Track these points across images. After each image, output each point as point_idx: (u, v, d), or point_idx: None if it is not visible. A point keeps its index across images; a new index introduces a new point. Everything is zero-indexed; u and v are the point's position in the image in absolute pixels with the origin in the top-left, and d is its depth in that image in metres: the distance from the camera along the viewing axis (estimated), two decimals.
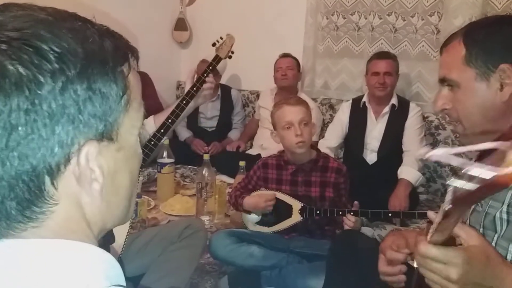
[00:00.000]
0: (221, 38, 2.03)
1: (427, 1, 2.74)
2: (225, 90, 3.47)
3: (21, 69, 0.37)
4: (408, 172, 2.42)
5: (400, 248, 1.03)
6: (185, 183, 2.84)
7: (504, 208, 0.87)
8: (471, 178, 0.49)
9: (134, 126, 0.46)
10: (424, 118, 2.67)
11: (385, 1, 2.90)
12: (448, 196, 0.56)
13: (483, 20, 0.97)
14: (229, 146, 3.31)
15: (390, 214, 1.80)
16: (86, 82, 0.40)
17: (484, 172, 0.47)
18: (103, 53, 0.42)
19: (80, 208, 0.43)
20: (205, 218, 2.20)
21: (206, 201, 2.26)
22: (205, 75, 1.81)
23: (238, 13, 3.50)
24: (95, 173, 0.42)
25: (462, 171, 0.50)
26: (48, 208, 0.41)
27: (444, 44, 0.96)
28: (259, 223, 1.89)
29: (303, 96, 3.04)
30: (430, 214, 0.82)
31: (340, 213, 1.71)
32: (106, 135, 0.42)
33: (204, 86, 1.79)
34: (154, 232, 1.59)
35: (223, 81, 3.52)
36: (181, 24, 3.86)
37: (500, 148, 0.47)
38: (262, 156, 2.80)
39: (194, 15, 3.88)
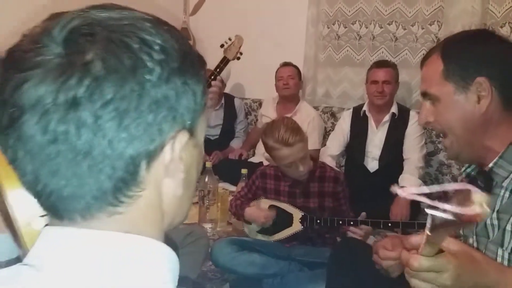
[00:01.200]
0: (230, 39, 1.96)
1: (427, 10, 2.77)
2: (229, 99, 3.50)
3: (133, 57, 0.39)
4: (409, 180, 2.43)
5: (395, 247, 1.04)
6: None
7: (494, 214, 0.89)
8: (445, 211, 0.52)
9: (204, 126, 0.49)
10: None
11: (386, 10, 2.93)
12: (428, 224, 0.59)
13: (459, 34, 0.99)
14: (231, 154, 3.33)
15: (389, 224, 1.80)
16: (183, 77, 0.42)
17: (455, 208, 0.51)
18: (192, 55, 0.46)
19: (160, 197, 0.45)
20: (207, 226, 2.22)
21: (209, 209, 2.28)
22: (212, 77, 1.72)
23: (240, 23, 3.54)
24: (182, 162, 0.45)
25: (437, 205, 0.53)
26: (136, 193, 0.42)
27: (424, 59, 0.99)
28: (260, 231, 1.90)
29: (304, 105, 3.08)
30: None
31: (341, 222, 1.72)
32: (190, 130, 0.45)
33: (210, 89, 1.70)
34: None
35: (226, 90, 3.55)
36: (184, 34, 3.90)
37: (464, 189, 0.51)
38: (264, 164, 2.82)
39: (197, 25, 3.93)
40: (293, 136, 1.66)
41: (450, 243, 0.76)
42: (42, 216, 0.53)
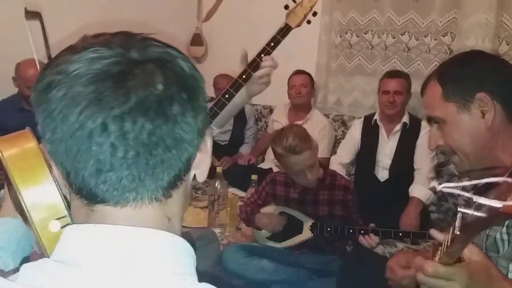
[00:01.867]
0: None
1: (440, 22, 2.77)
2: None
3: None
4: (419, 190, 2.43)
5: (410, 264, 1.05)
6: (197, 195, 2.88)
7: (504, 229, 0.90)
8: (479, 207, 0.52)
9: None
10: None
11: (399, 21, 2.94)
12: (458, 223, 0.60)
13: (452, 59, 1.04)
14: (240, 160, 3.35)
15: (400, 234, 1.80)
16: None
17: (492, 202, 0.50)
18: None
19: (186, 187, 0.51)
20: (217, 231, 2.22)
21: (218, 214, 2.29)
22: (262, 55, 1.38)
23: (253, 29, 3.56)
24: (207, 157, 0.52)
25: (472, 200, 0.53)
26: (183, 182, 0.49)
27: (422, 87, 1.03)
28: (269, 238, 1.91)
29: (315, 113, 3.09)
30: (433, 232, 0.84)
31: (351, 231, 1.72)
32: None
33: (260, 71, 1.36)
34: None
35: None
36: (197, 40, 3.95)
37: (504, 182, 0.51)
38: (274, 170, 2.83)
39: (210, 31, 3.97)
40: (301, 144, 1.68)
41: (473, 253, 0.76)
42: (58, 218, 0.55)
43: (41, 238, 0.55)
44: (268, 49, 1.39)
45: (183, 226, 2.06)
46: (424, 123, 2.59)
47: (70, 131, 0.43)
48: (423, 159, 2.52)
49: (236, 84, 1.37)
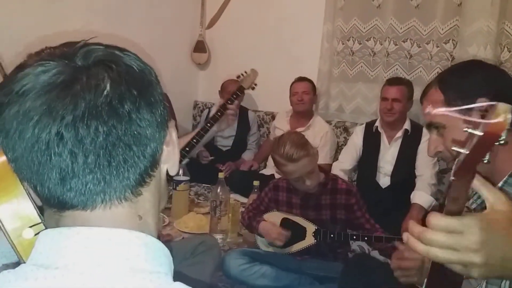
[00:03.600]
0: (246, 72, 2.21)
1: (442, 29, 2.79)
2: (243, 111, 3.54)
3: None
4: (421, 196, 2.43)
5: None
6: (199, 201, 2.89)
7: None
8: (469, 144, 0.56)
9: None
10: None
11: (401, 28, 2.95)
12: (453, 168, 0.61)
13: (453, 67, 1.06)
14: (243, 166, 3.36)
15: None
16: None
17: (479, 128, 0.54)
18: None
19: (158, 183, 0.52)
20: (219, 237, 2.23)
21: (220, 220, 2.30)
22: (229, 102, 1.96)
23: (255, 37, 3.60)
24: (174, 148, 0.53)
25: (464, 130, 0.56)
26: (152, 178, 0.50)
27: (422, 95, 1.05)
28: (271, 243, 1.91)
29: (317, 119, 3.10)
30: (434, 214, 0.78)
31: (354, 237, 1.72)
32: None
33: (227, 112, 1.94)
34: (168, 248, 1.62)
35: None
36: (200, 46, 3.97)
37: (493, 105, 0.54)
38: (276, 176, 2.83)
39: (213, 38, 4.00)
40: (298, 152, 1.68)
41: (498, 201, 0.62)
42: (31, 226, 0.57)
43: (16, 247, 0.57)
44: (232, 99, 1.99)
45: (185, 232, 2.07)
46: (425, 130, 2.59)
47: (28, 147, 0.44)
48: (425, 165, 2.52)
49: (214, 119, 1.95)
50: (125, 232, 0.46)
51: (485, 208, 0.71)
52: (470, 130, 0.56)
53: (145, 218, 0.50)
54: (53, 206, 0.47)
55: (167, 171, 0.54)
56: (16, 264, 0.48)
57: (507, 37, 2.58)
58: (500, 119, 0.53)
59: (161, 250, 0.49)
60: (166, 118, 0.50)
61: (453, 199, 0.60)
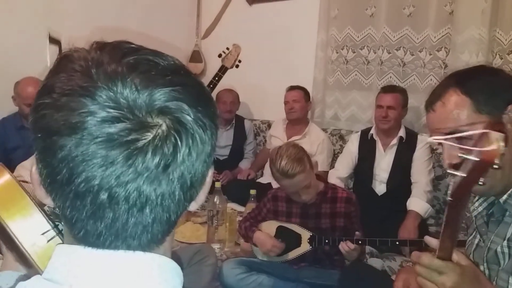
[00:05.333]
0: (227, 48, 2.07)
1: (435, 37, 2.82)
2: (239, 120, 3.56)
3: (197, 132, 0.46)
4: (417, 203, 2.43)
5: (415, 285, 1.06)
6: (196, 210, 2.89)
7: (505, 242, 0.91)
8: (464, 167, 0.59)
9: None
10: (433, 150, 2.70)
11: (394, 36, 2.99)
12: (449, 190, 0.66)
13: (468, 70, 0.98)
14: (240, 175, 3.36)
15: (397, 243, 1.80)
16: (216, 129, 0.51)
17: (474, 154, 0.57)
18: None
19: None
20: (216, 246, 2.23)
21: (217, 229, 2.29)
22: (210, 86, 1.80)
23: (251, 46, 3.62)
24: (207, 187, 0.52)
25: (459, 155, 0.60)
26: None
27: (434, 101, 0.95)
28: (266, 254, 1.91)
29: (313, 127, 3.11)
30: (428, 238, 0.86)
31: (348, 241, 1.73)
32: None
33: None
34: None
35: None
36: (196, 56, 4.00)
37: (484, 134, 0.56)
38: (273, 185, 2.84)
39: (209, 48, 4.02)
40: (294, 168, 1.68)
41: (461, 259, 0.81)
42: (43, 233, 0.59)
43: (32, 256, 0.59)
44: (214, 82, 1.85)
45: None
46: (420, 137, 2.61)
47: (84, 189, 0.43)
48: (420, 172, 2.53)
49: None
50: (139, 255, 0.47)
51: (488, 215, 0.99)
52: (465, 156, 0.58)
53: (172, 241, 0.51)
54: (74, 235, 0.47)
55: None
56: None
57: (499, 44, 2.61)
58: (493, 147, 0.55)
59: (174, 270, 0.49)
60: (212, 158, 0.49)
61: (443, 250, 0.78)
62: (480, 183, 0.63)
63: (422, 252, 0.82)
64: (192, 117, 0.44)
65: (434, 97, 0.96)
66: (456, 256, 0.81)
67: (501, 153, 0.59)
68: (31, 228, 0.61)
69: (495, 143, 0.57)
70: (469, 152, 0.60)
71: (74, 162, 0.41)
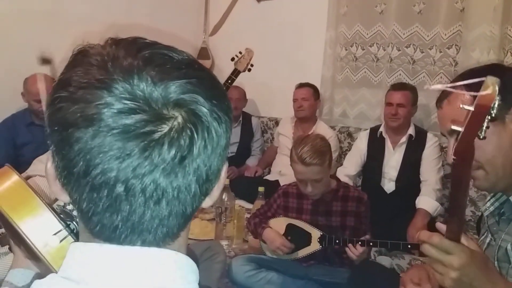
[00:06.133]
0: (240, 52, 2.11)
1: (445, 34, 2.79)
2: (246, 117, 3.55)
3: (214, 123, 0.46)
4: (426, 202, 2.42)
5: (422, 281, 1.05)
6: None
7: None
8: (464, 122, 0.60)
9: None
10: (442, 148, 2.68)
11: (404, 34, 2.96)
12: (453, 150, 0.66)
13: (474, 70, 0.97)
14: (247, 172, 3.36)
15: (409, 246, 1.79)
16: (230, 122, 0.50)
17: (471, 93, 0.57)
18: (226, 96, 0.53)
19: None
20: (224, 243, 2.23)
21: (225, 226, 2.30)
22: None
23: (259, 43, 3.61)
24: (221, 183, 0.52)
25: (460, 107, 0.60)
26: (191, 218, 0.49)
27: (443, 98, 0.97)
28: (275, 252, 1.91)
29: (321, 124, 3.10)
30: (439, 224, 0.85)
31: (360, 243, 1.72)
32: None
33: None
34: None
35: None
36: (204, 53, 4.00)
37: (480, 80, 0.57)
38: (280, 182, 2.84)
39: (217, 45, 4.02)
40: (313, 158, 1.68)
41: (471, 244, 0.81)
42: (55, 233, 0.59)
43: (45, 256, 0.59)
44: (227, 85, 1.91)
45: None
46: (429, 135, 2.60)
47: (102, 180, 0.43)
48: (430, 170, 2.52)
49: None
50: (155, 251, 0.46)
51: (500, 214, 1.00)
52: (465, 107, 0.59)
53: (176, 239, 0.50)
54: (90, 229, 0.47)
55: None
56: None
57: (510, 41, 2.58)
58: (488, 91, 0.55)
59: (190, 267, 0.49)
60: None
61: (451, 231, 0.77)
62: (480, 136, 0.61)
63: (433, 232, 0.81)
64: (207, 109, 0.44)
65: (443, 95, 0.98)
66: (465, 241, 0.81)
67: (497, 100, 0.58)
68: (43, 229, 0.61)
69: (491, 87, 0.56)
70: (470, 102, 0.60)
71: (90, 154, 0.41)
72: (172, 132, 0.42)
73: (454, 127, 0.63)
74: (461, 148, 0.65)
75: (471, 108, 0.58)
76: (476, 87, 0.58)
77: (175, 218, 0.46)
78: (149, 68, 0.43)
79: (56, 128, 0.44)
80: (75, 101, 0.42)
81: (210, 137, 0.45)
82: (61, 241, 0.59)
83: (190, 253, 0.50)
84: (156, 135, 0.41)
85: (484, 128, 0.60)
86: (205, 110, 0.44)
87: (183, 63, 0.46)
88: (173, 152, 0.42)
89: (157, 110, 0.42)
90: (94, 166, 0.42)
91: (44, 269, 0.65)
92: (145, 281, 0.45)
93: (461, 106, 0.61)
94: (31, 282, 0.55)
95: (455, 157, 0.67)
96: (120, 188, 0.42)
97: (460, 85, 0.61)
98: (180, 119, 0.42)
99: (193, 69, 0.46)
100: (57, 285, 0.45)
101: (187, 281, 0.47)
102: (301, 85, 3.11)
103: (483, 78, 0.57)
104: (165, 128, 0.42)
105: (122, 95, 0.41)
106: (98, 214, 0.44)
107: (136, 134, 0.41)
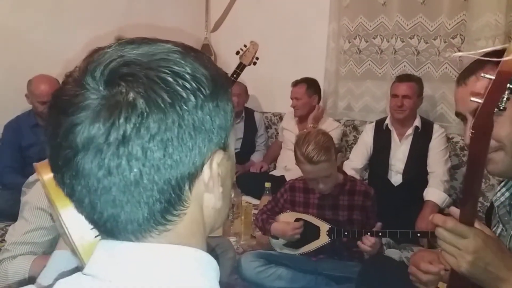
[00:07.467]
0: (245, 45, 2.09)
1: (449, 24, 2.77)
2: (249, 113, 3.54)
3: (170, 90, 0.43)
4: (434, 193, 2.41)
5: (433, 262, 1.04)
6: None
7: None
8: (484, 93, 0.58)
9: (234, 138, 0.54)
10: (449, 139, 2.66)
11: (407, 25, 2.94)
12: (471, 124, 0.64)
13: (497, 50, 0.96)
14: (252, 168, 3.36)
15: (418, 234, 1.78)
16: (215, 100, 0.47)
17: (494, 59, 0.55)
18: (221, 77, 0.49)
19: (201, 211, 0.50)
20: (232, 239, 2.23)
21: (233, 222, 2.30)
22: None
23: (261, 38, 3.58)
24: (219, 177, 0.49)
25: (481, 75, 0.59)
26: (182, 211, 0.47)
27: (468, 75, 0.92)
28: (286, 245, 1.91)
29: (327, 120, 3.07)
30: (453, 209, 0.84)
31: (369, 234, 1.72)
32: (224, 146, 0.49)
33: None
34: None
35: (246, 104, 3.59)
36: (206, 50, 3.98)
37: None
38: (286, 177, 2.83)
39: (218, 41, 4.00)
40: (319, 155, 1.66)
41: (484, 228, 0.81)
42: (93, 228, 0.59)
43: (78, 249, 0.60)
44: (232, 80, 1.87)
45: None
46: (436, 126, 2.58)
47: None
48: (437, 162, 2.50)
49: None
50: (175, 248, 0.46)
51: (511, 204, 0.98)
52: (487, 75, 0.57)
53: (191, 237, 0.49)
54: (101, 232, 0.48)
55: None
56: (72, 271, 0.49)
57: None
58: (511, 55, 0.54)
59: (210, 264, 0.49)
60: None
61: (464, 216, 0.76)
62: (501, 106, 0.60)
63: (447, 216, 0.80)
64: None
65: (469, 72, 0.92)
66: (479, 225, 0.80)
67: None
68: (82, 221, 0.61)
69: None
70: (490, 71, 0.58)
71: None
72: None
73: (473, 99, 0.61)
74: (480, 121, 0.63)
75: (492, 77, 0.57)
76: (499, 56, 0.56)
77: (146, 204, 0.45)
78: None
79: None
80: None
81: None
82: (96, 236, 0.59)
83: (209, 249, 0.50)
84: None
85: (505, 98, 0.58)
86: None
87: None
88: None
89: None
90: None
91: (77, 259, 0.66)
92: (166, 279, 0.44)
93: (482, 75, 0.59)
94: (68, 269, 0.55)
95: (473, 131, 0.65)
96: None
97: (484, 53, 0.60)
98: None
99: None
100: (80, 282, 0.45)
101: (208, 279, 0.47)
102: (295, 83, 3.08)
103: (506, 45, 0.56)
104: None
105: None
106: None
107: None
